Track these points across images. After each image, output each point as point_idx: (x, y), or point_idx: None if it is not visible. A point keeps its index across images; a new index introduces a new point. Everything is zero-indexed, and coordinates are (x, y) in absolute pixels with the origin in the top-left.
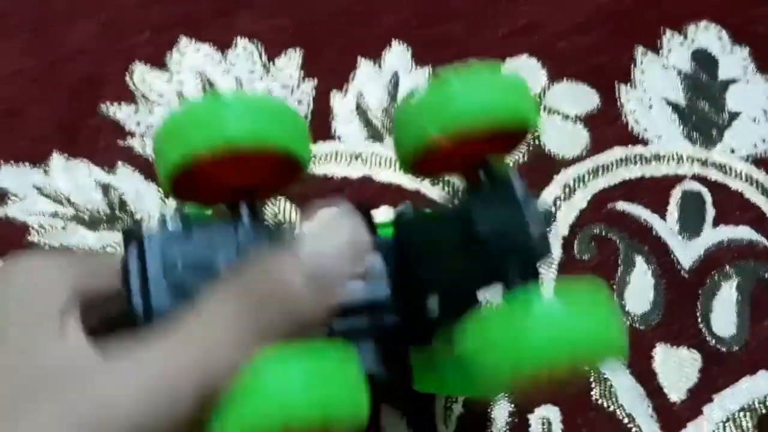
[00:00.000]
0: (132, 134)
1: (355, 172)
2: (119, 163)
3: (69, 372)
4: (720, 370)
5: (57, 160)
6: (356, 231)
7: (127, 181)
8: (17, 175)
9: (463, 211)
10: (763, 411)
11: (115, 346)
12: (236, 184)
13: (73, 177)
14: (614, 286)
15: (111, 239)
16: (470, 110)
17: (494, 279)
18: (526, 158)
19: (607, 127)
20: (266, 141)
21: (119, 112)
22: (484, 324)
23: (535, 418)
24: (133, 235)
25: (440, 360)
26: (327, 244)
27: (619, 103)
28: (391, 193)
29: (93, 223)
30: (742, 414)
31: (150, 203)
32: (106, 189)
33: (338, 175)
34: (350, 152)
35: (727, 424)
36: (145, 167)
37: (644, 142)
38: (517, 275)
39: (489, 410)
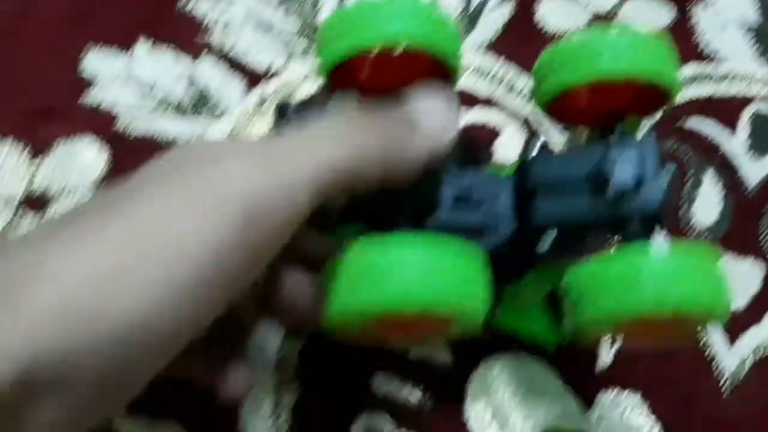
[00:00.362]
0: (214, 26)
1: None
2: (202, 53)
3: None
4: None
5: (142, 47)
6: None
7: (210, 72)
8: (103, 60)
9: (597, 156)
10: None
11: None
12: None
13: (157, 65)
14: (683, 200)
15: (195, 130)
16: (616, 65)
17: (614, 229)
18: None
19: (680, 44)
20: (419, 43)
21: (201, 4)
22: (597, 264)
23: None
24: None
25: (527, 299)
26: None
27: (692, 21)
28: (464, 99)
29: (178, 112)
30: None
31: (232, 95)
32: (190, 79)
33: None
34: None
35: None
36: (228, 60)
37: (716, 61)
38: (638, 230)
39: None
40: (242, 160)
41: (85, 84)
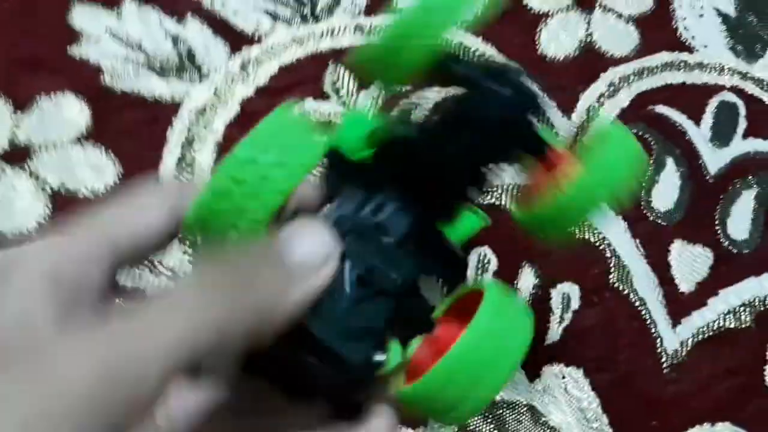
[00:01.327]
0: None
1: None
2: (188, 15)
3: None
4: (728, 269)
5: (130, 5)
6: (327, 239)
7: (196, 34)
8: (91, 16)
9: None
10: (762, 308)
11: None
12: None
13: (144, 24)
14: (643, 184)
15: (180, 89)
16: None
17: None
18: (577, 54)
19: (658, 31)
20: None
21: None
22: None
23: (557, 292)
24: None
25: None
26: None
27: (671, 8)
28: None
29: (163, 71)
30: (742, 309)
31: (217, 57)
32: (175, 39)
33: None
34: None
35: (727, 316)
36: (214, 23)
37: (690, 50)
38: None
39: (515, 282)
40: (73, 352)
41: (72, 38)
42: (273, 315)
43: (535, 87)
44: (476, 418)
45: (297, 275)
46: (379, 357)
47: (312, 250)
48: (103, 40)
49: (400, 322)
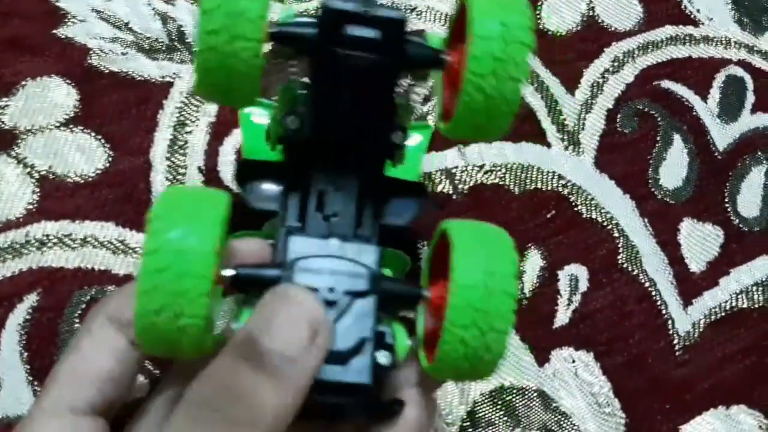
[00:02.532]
0: None
1: None
2: None
3: None
4: (739, 247)
5: None
6: (306, 306)
7: (185, 12)
8: None
9: None
10: None
11: None
12: None
13: (132, 3)
14: (650, 161)
15: (170, 69)
16: None
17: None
18: (579, 28)
19: (662, 3)
20: None
21: None
22: None
23: (564, 274)
24: None
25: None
26: (276, 332)
27: None
28: None
29: (152, 51)
30: (755, 288)
31: None
32: (164, 18)
33: None
34: None
35: (739, 296)
36: None
37: (695, 23)
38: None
39: (520, 264)
40: None
41: (57, 18)
42: (283, 416)
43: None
44: (485, 405)
45: (283, 370)
46: (383, 357)
47: (294, 333)
48: (89, 20)
49: (386, 309)
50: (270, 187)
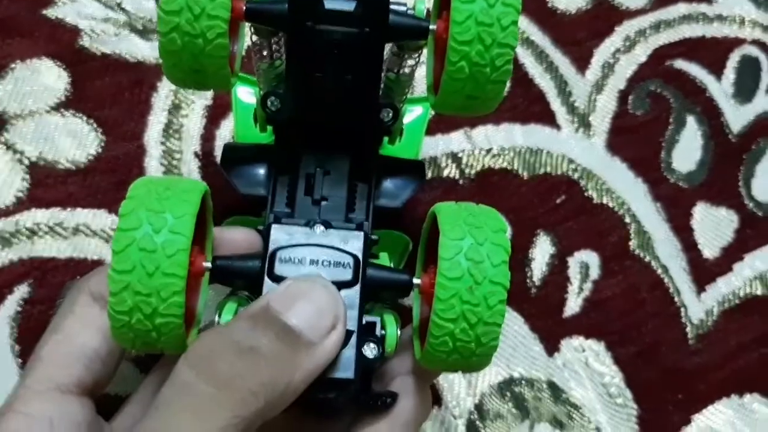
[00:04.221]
0: None
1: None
2: None
3: None
4: (754, 232)
5: None
6: (334, 297)
7: None
8: None
9: None
10: None
11: None
12: None
13: None
14: (663, 144)
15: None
16: None
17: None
18: (589, 6)
19: None
20: None
21: None
22: None
23: (574, 261)
24: None
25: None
26: (302, 313)
27: None
28: None
29: (146, 32)
30: None
31: None
32: None
33: None
34: None
35: (753, 282)
36: None
37: (709, 0)
38: None
39: (529, 251)
40: None
41: None
42: (284, 396)
43: None
44: (494, 397)
45: (299, 348)
46: (370, 350)
47: (319, 320)
48: (79, 0)
49: (377, 298)
50: (258, 172)
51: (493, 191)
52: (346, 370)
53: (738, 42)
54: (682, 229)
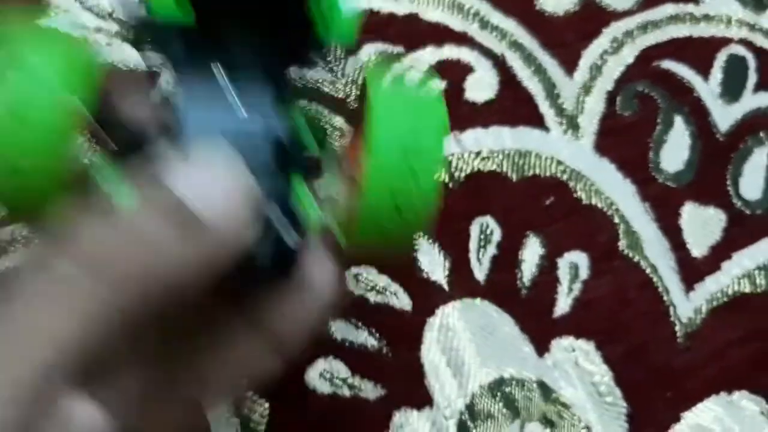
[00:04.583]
0: None
1: (401, 8)
2: None
3: None
4: (742, 230)
5: None
6: (236, 176)
7: None
8: None
9: None
10: None
11: None
12: None
13: None
14: (651, 144)
15: (157, 60)
16: None
17: None
18: (577, 8)
19: None
20: None
21: None
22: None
23: (564, 262)
24: None
25: None
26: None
27: None
28: (437, 34)
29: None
30: (757, 272)
31: None
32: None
33: (384, 10)
34: None
35: (742, 280)
36: None
37: (696, 0)
38: None
39: (519, 253)
40: None
41: (40, 9)
42: (175, 288)
43: None
44: (484, 397)
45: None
46: (289, 235)
47: (226, 204)
48: (72, 11)
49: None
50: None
51: (482, 194)
52: (263, 262)
53: (725, 41)
54: (671, 229)
